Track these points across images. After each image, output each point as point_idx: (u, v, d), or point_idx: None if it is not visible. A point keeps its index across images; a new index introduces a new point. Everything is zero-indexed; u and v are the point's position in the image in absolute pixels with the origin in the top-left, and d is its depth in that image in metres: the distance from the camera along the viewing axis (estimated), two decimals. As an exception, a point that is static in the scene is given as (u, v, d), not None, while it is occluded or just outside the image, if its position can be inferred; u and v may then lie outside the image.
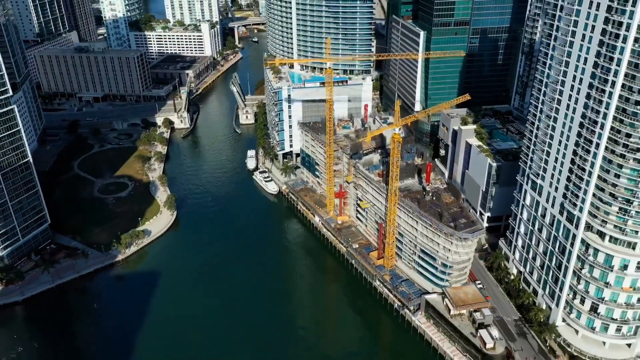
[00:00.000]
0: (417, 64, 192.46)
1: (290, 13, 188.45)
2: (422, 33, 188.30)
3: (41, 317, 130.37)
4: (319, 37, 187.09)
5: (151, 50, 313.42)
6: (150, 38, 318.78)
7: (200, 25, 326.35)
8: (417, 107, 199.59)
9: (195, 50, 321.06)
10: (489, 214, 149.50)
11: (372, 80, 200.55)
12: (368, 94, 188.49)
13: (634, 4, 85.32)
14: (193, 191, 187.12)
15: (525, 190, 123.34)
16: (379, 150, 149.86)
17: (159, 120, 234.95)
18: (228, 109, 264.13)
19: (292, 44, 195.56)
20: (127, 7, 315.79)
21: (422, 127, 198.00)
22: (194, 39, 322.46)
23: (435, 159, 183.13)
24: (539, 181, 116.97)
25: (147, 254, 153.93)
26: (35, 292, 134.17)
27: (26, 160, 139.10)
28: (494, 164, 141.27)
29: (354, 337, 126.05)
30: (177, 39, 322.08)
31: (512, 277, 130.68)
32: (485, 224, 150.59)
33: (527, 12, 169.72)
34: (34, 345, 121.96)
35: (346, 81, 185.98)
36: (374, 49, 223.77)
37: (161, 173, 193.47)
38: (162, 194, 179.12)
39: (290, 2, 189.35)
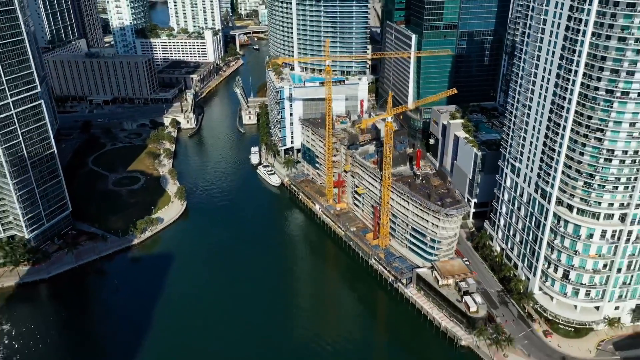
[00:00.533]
0: (410, 66, 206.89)
1: (291, 17, 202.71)
2: (414, 36, 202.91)
3: (65, 293, 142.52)
4: (317, 39, 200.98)
5: (157, 57, 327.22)
6: (155, 45, 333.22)
7: (203, 33, 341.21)
8: (410, 105, 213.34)
9: (199, 56, 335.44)
10: (475, 200, 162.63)
11: (368, 83, 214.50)
12: (364, 93, 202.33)
13: (590, 3, 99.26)
14: (201, 184, 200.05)
15: (506, 174, 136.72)
16: (374, 142, 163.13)
17: (167, 120, 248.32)
18: (231, 111, 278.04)
19: (293, 45, 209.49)
20: (134, 16, 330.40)
21: (414, 124, 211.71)
22: (198, 45, 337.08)
23: (428, 153, 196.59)
24: (517, 164, 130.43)
25: (160, 239, 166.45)
26: (60, 271, 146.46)
27: (51, 150, 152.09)
28: (479, 153, 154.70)
29: (353, 310, 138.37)
30: (182, 45, 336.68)
31: (495, 254, 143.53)
32: (473, 210, 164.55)
33: (510, 16, 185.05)
34: (61, 315, 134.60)
35: (343, 81, 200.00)
36: (369, 53, 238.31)
37: (171, 168, 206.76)
38: (172, 187, 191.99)
39: (290, 7, 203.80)
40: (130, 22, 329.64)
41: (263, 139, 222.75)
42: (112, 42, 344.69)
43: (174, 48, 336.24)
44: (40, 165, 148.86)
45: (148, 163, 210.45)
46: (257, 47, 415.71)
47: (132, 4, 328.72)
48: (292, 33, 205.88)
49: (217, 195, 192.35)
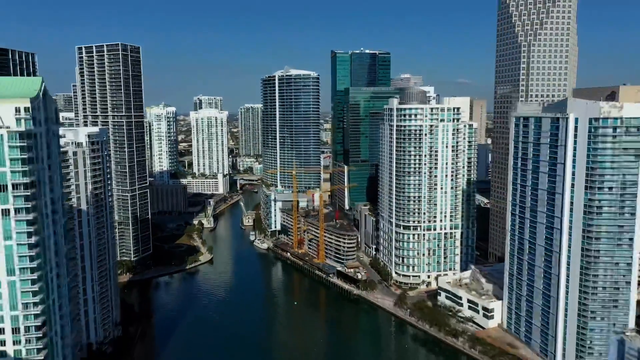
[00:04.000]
0: (345, 183, 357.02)
1: (276, 153, 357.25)
2: (345, 167, 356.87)
3: (148, 286, 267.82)
4: (290, 161, 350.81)
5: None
6: (183, 182, 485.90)
7: (217, 175, 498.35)
8: (347, 205, 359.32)
9: (213, 190, 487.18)
10: (375, 246, 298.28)
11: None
12: (317, 196, 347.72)
13: (392, 141, 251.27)
14: (219, 250, 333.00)
15: (380, 221, 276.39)
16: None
17: (195, 222, 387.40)
18: (235, 220, 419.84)
19: (277, 165, 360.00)
20: (170, 164, 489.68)
21: (349, 217, 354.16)
22: (212, 183, 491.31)
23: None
24: (382, 213, 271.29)
25: (198, 270, 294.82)
26: (147, 277, 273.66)
27: (147, 216, 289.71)
28: (374, 219, 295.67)
29: (308, 296, 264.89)
30: (202, 183, 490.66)
31: (379, 264, 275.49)
32: (373, 252, 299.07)
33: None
34: (143, 295, 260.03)
35: (305, 191, 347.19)
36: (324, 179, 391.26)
37: (201, 242, 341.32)
38: (203, 249, 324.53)
39: (275, 151, 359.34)
40: (167, 168, 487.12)
41: (258, 227, 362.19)
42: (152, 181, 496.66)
43: (196, 184, 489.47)
44: (142, 223, 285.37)
45: (187, 240, 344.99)
46: (256, 191, 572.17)
47: (169, 157, 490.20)
48: (276, 161, 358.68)
49: (229, 254, 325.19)
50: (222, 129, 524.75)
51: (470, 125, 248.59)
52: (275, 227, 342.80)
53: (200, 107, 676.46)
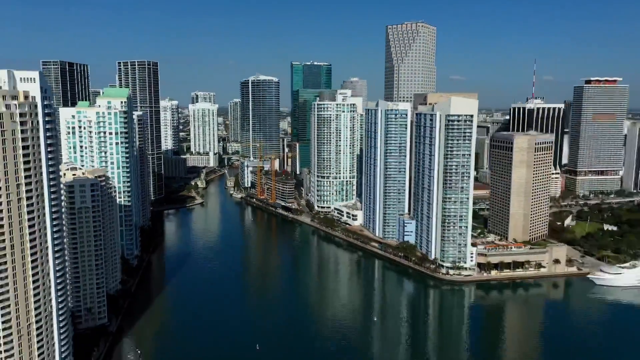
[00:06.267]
0: (297, 157, 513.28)
1: (249, 131, 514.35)
2: (297, 144, 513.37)
3: (161, 215, 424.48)
4: (258, 139, 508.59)
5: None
6: (184, 158, 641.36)
7: (208, 153, 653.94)
8: (298, 170, 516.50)
9: (206, 163, 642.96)
10: (309, 193, 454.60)
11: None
12: (276, 162, 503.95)
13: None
14: (208, 199, 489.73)
15: (310, 175, 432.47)
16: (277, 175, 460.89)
17: (193, 183, 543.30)
18: (221, 185, 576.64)
19: (249, 139, 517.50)
20: (173, 143, 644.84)
21: (298, 177, 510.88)
22: (205, 158, 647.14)
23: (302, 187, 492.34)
24: (312, 170, 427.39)
25: (194, 208, 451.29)
26: (162, 209, 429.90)
27: (161, 173, 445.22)
28: (308, 175, 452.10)
29: (266, 225, 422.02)
30: (197, 158, 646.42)
31: (310, 202, 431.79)
32: (309, 198, 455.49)
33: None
34: (160, 218, 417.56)
35: (268, 160, 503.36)
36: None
37: (195, 193, 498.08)
38: (198, 197, 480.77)
39: (249, 129, 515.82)
40: (171, 147, 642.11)
41: (235, 185, 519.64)
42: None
43: (193, 159, 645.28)
44: (158, 175, 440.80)
45: (186, 193, 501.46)
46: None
47: (172, 139, 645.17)
48: (249, 138, 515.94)
49: (216, 201, 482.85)
50: (213, 118, 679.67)
51: (362, 115, 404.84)
52: (247, 184, 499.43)
53: (197, 101, 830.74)
